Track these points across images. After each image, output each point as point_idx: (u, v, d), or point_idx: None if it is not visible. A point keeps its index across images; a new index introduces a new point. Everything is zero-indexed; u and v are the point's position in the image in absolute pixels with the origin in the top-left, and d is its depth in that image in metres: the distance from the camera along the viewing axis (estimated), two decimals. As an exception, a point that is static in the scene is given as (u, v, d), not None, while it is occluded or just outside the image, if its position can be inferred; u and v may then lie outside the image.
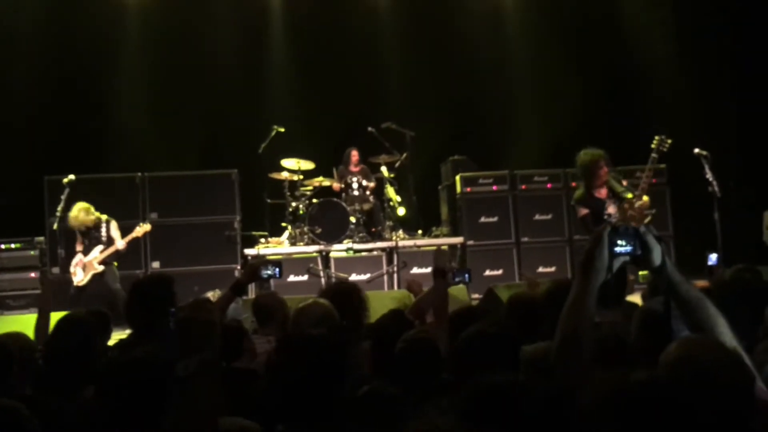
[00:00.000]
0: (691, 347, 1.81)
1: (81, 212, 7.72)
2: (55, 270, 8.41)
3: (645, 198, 6.18)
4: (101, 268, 7.82)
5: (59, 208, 7.50)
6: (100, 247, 7.84)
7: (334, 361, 2.12)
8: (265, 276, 3.75)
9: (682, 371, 1.79)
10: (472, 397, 1.87)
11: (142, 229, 7.95)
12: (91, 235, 7.89)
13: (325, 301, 3.15)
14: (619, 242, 1.93)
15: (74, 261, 7.91)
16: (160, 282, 3.18)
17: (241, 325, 3.20)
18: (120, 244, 7.82)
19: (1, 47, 9.75)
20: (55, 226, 7.64)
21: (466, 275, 4.31)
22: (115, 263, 7.97)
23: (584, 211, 6.31)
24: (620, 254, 1.94)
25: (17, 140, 9.62)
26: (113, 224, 7.98)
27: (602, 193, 6.28)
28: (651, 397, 1.64)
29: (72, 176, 7.66)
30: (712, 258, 4.21)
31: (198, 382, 2.03)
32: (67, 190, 7.57)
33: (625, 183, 6.38)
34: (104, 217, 7.93)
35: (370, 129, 9.13)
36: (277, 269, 3.71)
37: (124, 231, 8.67)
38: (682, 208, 9.32)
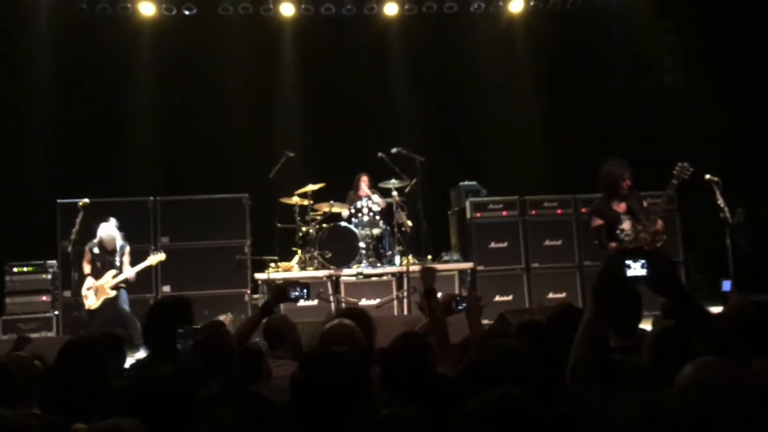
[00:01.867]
0: (706, 369, 1.82)
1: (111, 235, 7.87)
2: (67, 293, 8.43)
3: (660, 223, 6.18)
4: (113, 293, 7.87)
5: (74, 231, 7.55)
6: (113, 272, 7.89)
7: (358, 379, 2.13)
8: (293, 297, 3.78)
9: (696, 394, 1.80)
10: (477, 410, 1.86)
11: (157, 258, 8.01)
12: (106, 259, 7.94)
13: (349, 321, 3.16)
14: (632, 266, 1.94)
15: (86, 284, 7.94)
16: (178, 304, 3.20)
17: (260, 348, 3.21)
18: (130, 273, 7.89)
19: (17, 75, 9.90)
20: (69, 249, 7.67)
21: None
22: (124, 286, 8.03)
23: (599, 221, 6.31)
24: (632, 278, 1.94)
25: (31, 165, 9.74)
26: (127, 249, 8.05)
27: (621, 207, 6.28)
28: (669, 419, 1.65)
29: (86, 200, 7.74)
30: (726, 285, 4.19)
31: (222, 406, 2.03)
32: (81, 214, 7.63)
33: (645, 204, 6.38)
34: (120, 240, 8.02)
35: (380, 154, 9.19)
36: (305, 290, 3.75)
37: (136, 255, 8.76)
38: (692, 235, 9.31)
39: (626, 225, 6.22)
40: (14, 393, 2.91)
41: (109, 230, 7.94)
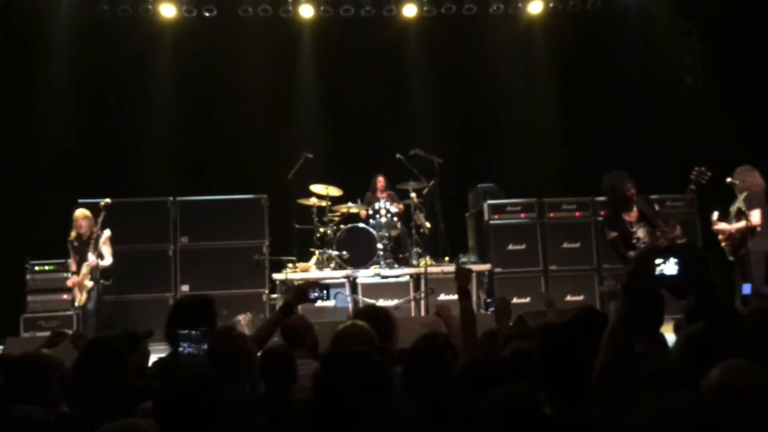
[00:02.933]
0: (734, 372, 1.81)
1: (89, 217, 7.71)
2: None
3: (678, 228, 6.13)
4: (91, 284, 7.67)
5: (95, 231, 7.61)
6: (86, 262, 7.69)
7: (380, 377, 2.13)
8: (313, 297, 3.80)
9: (724, 397, 1.79)
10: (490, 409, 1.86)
11: (106, 234, 7.72)
12: (82, 250, 7.75)
13: (363, 323, 3.17)
14: (663, 264, 1.92)
15: (69, 282, 7.89)
16: (201, 302, 3.22)
17: (290, 351, 3.23)
18: (92, 259, 7.60)
19: (38, 76, 10.00)
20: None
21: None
22: (104, 281, 7.79)
23: (613, 233, 6.28)
24: (663, 278, 1.93)
25: (53, 166, 9.83)
26: (106, 235, 7.75)
27: (632, 216, 6.24)
28: (696, 421, 1.64)
29: (108, 200, 7.79)
30: (747, 288, 4.14)
31: (245, 412, 2.04)
32: (103, 213, 7.67)
33: (657, 208, 6.34)
34: (97, 228, 7.76)
35: (398, 156, 9.20)
36: (325, 291, 3.77)
37: (155, 254, 8.81)
38: (712, 238, 9.22)
39: (641, 233, 6.19)
40: (43, 391, 2.94)
41: (80, 212, 7.77)
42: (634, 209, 6.23)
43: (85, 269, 7.67)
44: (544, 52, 10.97)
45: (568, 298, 9.10)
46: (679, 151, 9.44)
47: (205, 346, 2.45)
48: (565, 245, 9.42)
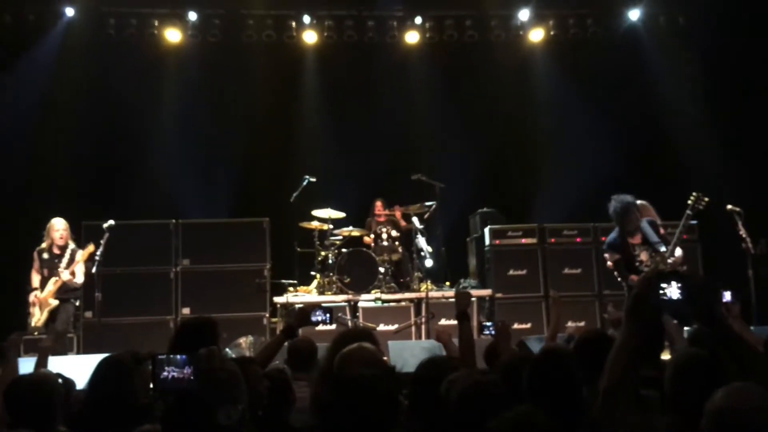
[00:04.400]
0: (738, 395, 1.82)
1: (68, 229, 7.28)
2: (88, 314, 8.48)
3: (679, 253, 6.17)
4: (55, 303, 7.30)
5: (98, 253, 7.58)
6: (54, 278, 7.32)
7: (389, 402, 2.12)
8: (315, 321, 3.81)
9: (728, 419, 1.80)
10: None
11: (86, 251, 7.33)
12: (53, 264, 7.34)
13: (369, 344, 3.17)
14: (667, 289, 1.94)
15: (30, 298, 7.38)
16: (204, 325, 3.23)
17: (287, 375, 3.22)
18: (66, 275, 7.19)
19: (44, 98, 10.08)
20: (93, 271, 7.66)
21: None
22: (74, 301, 7.45)
23: (616, 256, 6.32)
24: (667, 301, 1.94)
25: (56, 187, 9.87)
26: (80, 254, 7.35)
27: (636, 239, 6.29)
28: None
29: (112, 221, 7.78)
30: (726, 296, 4.08)
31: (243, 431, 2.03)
32: (106, 235, 7.63)
33: (662, 231, 6.38)
34: (72, 244, 7.43)
35: (416, 176, 9.11)
36: (328, 315, 3.77)
37: (157, 277, 8.78)
38: (714, 265, 9.24)
39: (644, 256, 6.24)
40: (41, 412, 2.94)
41: (62, 222, 7.41)
42: (638, 234, 6.28)
43: (52, 286, 7.26)
44: (546, 79, 11.05)
45: (569, 324, 9.07)
46: (684, 178, 9.47)
47: (189, 370, 2.39)
48: (566, 271, 9.43)
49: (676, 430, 1.81)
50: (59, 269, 7.31)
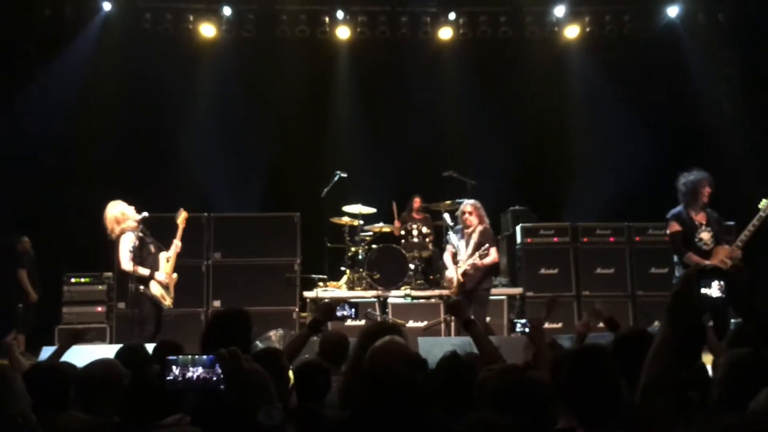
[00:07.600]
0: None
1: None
2: (121, 305, 8.60)
3: (739, 253, 6.07)
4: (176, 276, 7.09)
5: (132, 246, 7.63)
6: (162, 254, 7.13)
7: (423, 399, 2.11)
8: (340, 316, 3.80)
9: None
10: None
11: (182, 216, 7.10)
12: (153, 242, 7.16)
13: (400, 339, 3.15)
14: (708, 287, 1.89)
15: (154, 284, 6.95)
16: (238, 317, 3.23)
17: (326, 367, 3.21)
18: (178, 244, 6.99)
19: (79, 89, 10.23)
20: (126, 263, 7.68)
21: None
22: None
23: (676, 227, 6.23)
24: (708, 299, 1.89)
25: (89, 178, 10.02)
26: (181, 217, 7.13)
27: (700, 217, 6.21)
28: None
29: (145, 213, 7.83)
30: None
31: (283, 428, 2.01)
32: (141, 227, 7.69)
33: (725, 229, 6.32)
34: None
35: (447, 173, 9.07)
36: (353, 309, 3.76)
37: (189, 269, 8.84)
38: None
39: (705, 235, 6.17)
40: (97, 400, 2.97)
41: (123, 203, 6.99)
42: (702, 213, 6.20)
43: (167, 262, 6.97)
44: (581, 76, 10.93)
45: (601, 325, 8.95)
46: (720, 178, 9.28)
47: (219, 370, 2.34)
48: (598, 271, 9.31)
49: (724, 429, 1.75)
50: (171, 241, 7.06)
